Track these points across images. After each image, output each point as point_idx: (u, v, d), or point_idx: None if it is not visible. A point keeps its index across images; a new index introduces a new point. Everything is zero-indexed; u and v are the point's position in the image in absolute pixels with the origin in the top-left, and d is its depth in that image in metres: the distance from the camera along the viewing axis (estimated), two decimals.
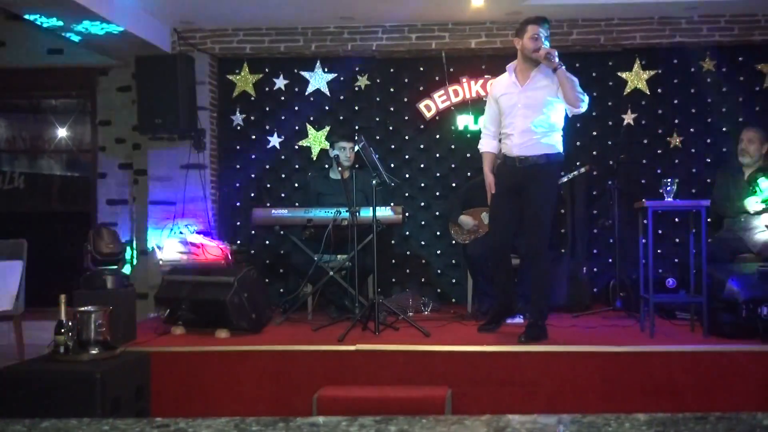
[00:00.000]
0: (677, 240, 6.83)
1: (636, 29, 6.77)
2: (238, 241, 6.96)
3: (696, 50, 6.87)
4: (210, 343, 4.81)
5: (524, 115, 4.67)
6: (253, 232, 7.12)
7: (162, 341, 4.92)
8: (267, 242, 7.18)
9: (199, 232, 6.40)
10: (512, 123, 4.72)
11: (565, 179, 6.24)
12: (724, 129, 6.84)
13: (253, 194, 7.22)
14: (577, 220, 6.75)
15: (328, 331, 5.12)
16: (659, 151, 6.94)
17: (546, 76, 4.69)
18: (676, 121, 6.94)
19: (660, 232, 6.79)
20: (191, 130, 6.84)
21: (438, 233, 7.10)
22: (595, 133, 6.93)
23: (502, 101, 4.81)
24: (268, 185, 7.21)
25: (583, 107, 4.63)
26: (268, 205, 7.02)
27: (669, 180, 5.86)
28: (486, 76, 6.96)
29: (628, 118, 6.95)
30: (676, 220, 6.86)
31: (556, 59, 4.58)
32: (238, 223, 7.19)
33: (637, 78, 6.97)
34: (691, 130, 6.94)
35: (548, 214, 4.72)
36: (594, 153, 6.93)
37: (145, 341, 4.86)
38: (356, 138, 5.60)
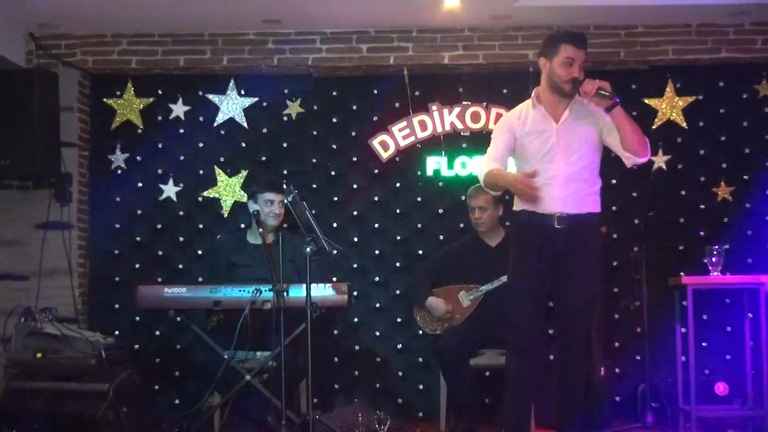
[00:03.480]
0: (728, 329, 6.88)
1: (667, 41, 6.90)
2: (116, 333, 6.87)
3: (748, 69, 7.00)
4: None
5: (568, 158, 4.77)
6: (137, 319, 7.07)
7: None
8: (157, 333, 7.11)
9: (60, 320, 6.22)
10: (548, 168, 4.77)
11: None
12: None
13: (138, 266, 7.18)
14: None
15: None
16: (702, 207, 7.04)
17: (585, 105, 4.81)
18: (724, 165, 7.06)
19: (704, 317, 6.84)
20: (52, 175, 6.82)
21: (399, 320, 7.09)
22: (614, 182, 6.94)
23: (531, 142, 4.84)
24: (160, 253, 7.17)
25: (649, 154, 4.80)
26: (160, 281, 6.98)
27: (716, 247, 6.10)
28: (464, 103, 7.08)
29: (660, 160, 7.04)
30: (727, 301, 6.91)
31: (612, 92, 4.62)
32: (117, 307, 7.12)
33: (670, 106, 7.09)
34: (745, 177, 7.04)
35: (595, 295, 4.85)
36: (613, 209, 6.99)
37: None
38: (284, 187, 5.63)
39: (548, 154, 4.73)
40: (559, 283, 4.75)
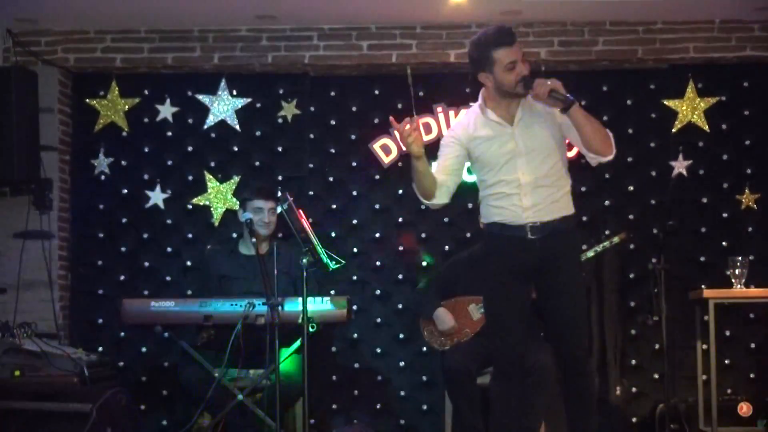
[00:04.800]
0: (753, 345, 6.92)
1: (688, 37, 6.94)
2: (100, 349, 6.90)
3: None
4: None
5: (530, 163, 4.74)
6: (122, 334, 7.09)
7: None
8: (143, 350, 7.13)
9: (40, 336, 6.23)
10: (513, 178, 4.75)
11: (589, 254, 6.30)
12: None
13: (123, 278, 7.22)
14: (606, 315, 6.85)
15: None
16: (725, 215, 7.07)
17: (536, 104, 4.77)
18: (749, 170, 7.10)
19: (727, 333, 6.88)
20: (31, 181, 6.85)
21: (401, 336, 7.12)
22: (631, 188, 7.03)
23: (488, 149, 4.82)
24: (146, 264, 7.21)
25: (613, 152, 4.74)
26: (146, 294, 7.03)
27: (739, 258, 6.20)
28: (471, 103, 6.89)
29: (680, 166, 7.08)
30: (751, 316, 6.96)
31: (566, 93, 4.60)
32: (100, 321, 7.16)
33: (691, 108, 7.11)
34: None
35: (584, 301, 4.86)
36: (630, 217, 7.02)
37: None
38: (279, 195, 5.68)
39: (510, 161, 4.70)
40: (545, 298, 4.76)
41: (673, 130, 7.08)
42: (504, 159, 4.70)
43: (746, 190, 7.05)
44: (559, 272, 4.69)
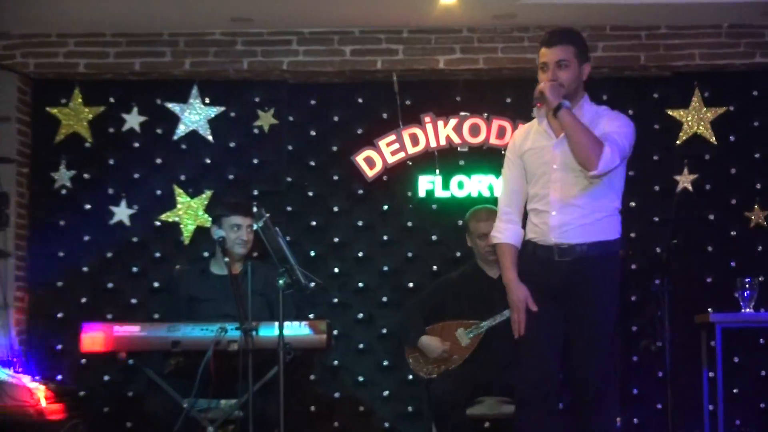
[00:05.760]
0: (763, 373, 6.91)
1: (694, 43, 6.93)
2: (59, 378, 6.82)
3: None
4: None
5: (565, 180, 4.74)
6: (83, 362, 6.98)
7: None
8: (106, 379, 7.04)
9: None
10: (545, 193, 4.78)
11: None
12: None
13: (84, 300, 7.13)
14: None
15: None
16: (733, 233, 7.05)
17: (598, 116, 4.81)
18: (758, 185, 7.10)
19: (736, 360, 6.85)
20: None
21: (385, 363, 7.07)
22: (633, 204, 7.00)
23: (530, 159, 4.86)
24: (110, 285, 7.14)
25: (603, 167, 4.64)
26: (109, 318, 6.93)
27: (748, 280, 6.15)
28: (462, 114, 7.09)
29: (685, 180, 7.07)
30: (761, 341, 6.95)
31: (551, 95, 4.63)
32: (60, 348, 7.06)
33: (696, 118, 7.10)
34: None
35: (611, 334, 4.79)
36: (632, 235, 6.98)
37: None
38: (255, 211, 5.48)
39: (545, 175, 4.74)
40: (568, 326, 4.75)
41: (678, 142, 7.07)
42: (540, 171, 4.76)
43: (756, 207, 7.03)
44: (584, 302, 4.70)
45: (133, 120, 7.20)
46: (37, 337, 7.07)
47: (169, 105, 7.21)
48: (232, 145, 7.19)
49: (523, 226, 4.92)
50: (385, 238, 7.15)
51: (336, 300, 7.08)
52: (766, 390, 6.79)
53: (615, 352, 4.80)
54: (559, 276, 4.69)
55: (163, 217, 7.17)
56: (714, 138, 7.06)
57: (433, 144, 7.06)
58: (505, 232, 4.90)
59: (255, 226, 5.47)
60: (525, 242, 4.85)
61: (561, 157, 4.70)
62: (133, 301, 7.11)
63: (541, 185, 4.75)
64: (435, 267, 7.07)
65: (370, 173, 7.11)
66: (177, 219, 7.17)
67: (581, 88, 4.81)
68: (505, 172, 4.97)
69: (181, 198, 7.16)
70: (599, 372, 4.72)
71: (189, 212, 7.16)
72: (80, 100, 7.19)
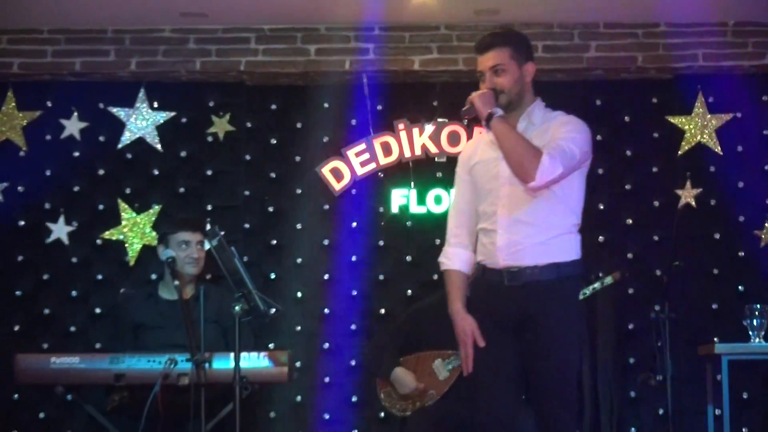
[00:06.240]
0: None
1: (697, 43, 6.81)
2: None
3: None
4: None
5: (513, 195, 4.57)
6: (16, 396, 6.79)
7: None
8: (41, 416, 6.82)
9: None
10: (493, 210, 4.62)
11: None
12: None
13: (17, 327, 6.93)
14: (599, 374, 6.67)
15: None
16: (741, 254, 6.90)
17: (549, 122, 4.64)
18: None
19: (744, 396, 6.67)
20: None
21: (354, 399, 6.89)
22: (630, 221, 6.89)
23: (478, 173, 4.72)
24: (47, 311, 6.92)
25: (541, 178, 4.46)
26: (46, 348, 6.76)
27: (758, 306, 5.95)
28: (440, 120, 6.92)
29: (687, 195, 6.88)
30: None
31: (480, 105, 4.49)
32: None
33: (700, 126, 6.92)
34: None
35: (573, 366, 4.61)
36: (629, 255, 6.88)
37: None
38: (208, 228, 5.37)
39: (494, 190, 4.59)
40: (525, 358, 4.55)
41: (680, 153, 6.91)
42: (489, 186, 4.60)
43: (766, 224, 6.88)
44: (538, 335, 4.49)
45: (73, 126, 7.00)
46: None
47: (113, 110, 7.03)
48: (183, 154, 7.01)
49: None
50: (354, 258, 6.99)
51: (299, 328, 6.90)
52: None
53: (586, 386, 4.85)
54: (511, 304, 4.52)
55: (106, 234, 6.97)
56: (719, 148, 6.90)
57: (407, 154, 6.88)
58: (452, 257, 4.76)
59: (208, 245, 5.43)
60: (476, 264, 4.70)
61: (509, 170, 4.55)
62: (72, 328, 6.92)
63: (489, 202, 4.60)
64: (410, 291, 6.90)
65: (337, 186, 6.94)
66: (121, 237, 6.98)
67: (529, 91, 4.64)
68: (454, 190, 4.89)
69: (126, 213, 6.97)
70: (563, 408, 4.50)
71: (135, 229, 6.97)
72: (13, 104, 7.02)
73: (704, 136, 6.85)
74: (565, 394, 4.50)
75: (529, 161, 4.35)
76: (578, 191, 4.56)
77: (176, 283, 5.46)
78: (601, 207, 6.72)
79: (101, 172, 6.94)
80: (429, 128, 6.84)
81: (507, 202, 4.50)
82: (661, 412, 6.47)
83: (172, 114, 6.97)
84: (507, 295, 4.47)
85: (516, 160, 4.39)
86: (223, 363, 5.11)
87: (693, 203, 6.80)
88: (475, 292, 4.66)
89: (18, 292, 6.88)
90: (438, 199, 6.87)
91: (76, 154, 6.95)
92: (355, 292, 6.91)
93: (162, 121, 6.95)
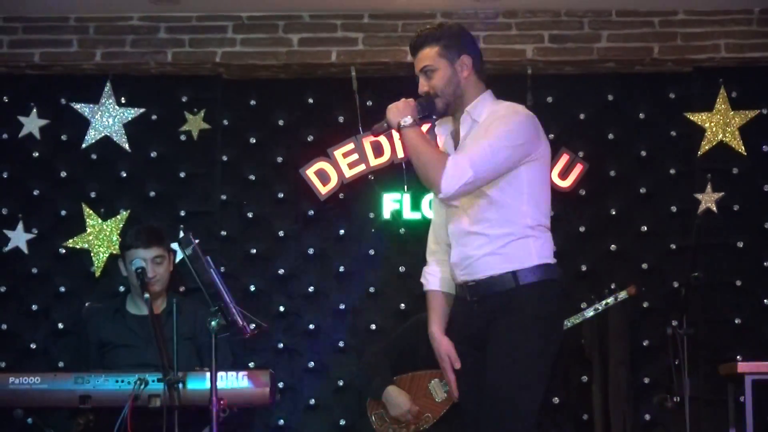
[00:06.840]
0: None
1: (719, 32, 6.78)
2: None
3: None
4: None
5: (460, 207, 4.51)
6: None
7: None
8: None
9: None
10: (451, 218, 4.60)
11: (588, 314, 6.12)
12: None
13: None
14: (611, 395, 6.53)
15: None
16: (765, 264, 6.85)
17: (481, 116, 4.51)
18: None
19: None
20: None
21: (342, 422, 6.85)
22: (644, 228, 6.82)
23: None
24: (4, 327, 6.91)
25: (448, 186, 4.30)
26: (3, 366, 6.78)
27: None
28: (435, 117, 6.76)
29: (708, 199, 6.82)
30: None
31: (392, 116, 4.41)
32: None
33: (722, 124, 6.86)
34: None
35: (530, 391, 4.40)
36: (643, 266, 6.82)
37: None
38: (180, 236, 5.37)
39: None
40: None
41: (700, 153, 6.82)
42: None
43: None
44: (493, 341, 4.37)
45: (32, 124, 6.94)
46: None
47: (77, 106, 6.97)
48: (153, 154, 6.97)
49: None
50: (341, 269, 6.95)
51: (281, 345, 6.85)
52: None
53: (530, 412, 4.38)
54: (475, 320, 4.45)
55: (70, 243, 6.90)
56: (743, 147, 6.80)
57: (400, 155, 6.80)
58: (428, 277, 4.71)
59: (180, 255, 5.50)
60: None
61: None
62: (33, 346, 6.87)
63: (448, 215, 4.61)
64: (403, 305, 6.84)
65: (323, 190, 6.87)
66: (86, 245, 6.90)
67: (472, 86, 4.49)
68: (432, 203, 4.97)
69: (92, 220, 6.90)
70: None
71: (101, 237, 6.88)
72: None
73: (726, 134, 6.82)
74: (517, 418, 4.26)
75: (434, 170, 4.29)
76: (528, 188, 4.38)
77: (146, 296, 5.32)
78: (613, 212, 6.72)
79: (63, 174, 6.94)
80: (424, 126, 6.64)
81: (455, 213, 4.49)
82: None
83: (141, 110, 6.96)
84: (470, 311, 4.43)
85: (421, 171, 4.35)
86: (198, 383, 5.01)
87: (714, 208, 6.78)
88: (453, 311, 4.63)
89: None
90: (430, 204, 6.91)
91: (36, 154, 6.95)
92: (342, 306, 6.92)
93: (130, 119, 6.94)
